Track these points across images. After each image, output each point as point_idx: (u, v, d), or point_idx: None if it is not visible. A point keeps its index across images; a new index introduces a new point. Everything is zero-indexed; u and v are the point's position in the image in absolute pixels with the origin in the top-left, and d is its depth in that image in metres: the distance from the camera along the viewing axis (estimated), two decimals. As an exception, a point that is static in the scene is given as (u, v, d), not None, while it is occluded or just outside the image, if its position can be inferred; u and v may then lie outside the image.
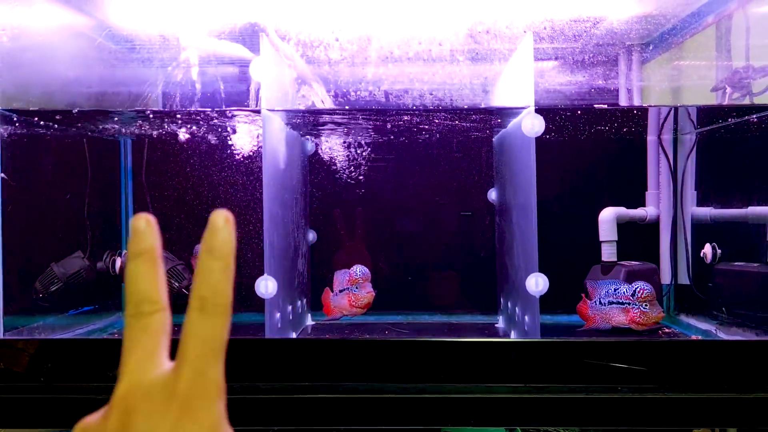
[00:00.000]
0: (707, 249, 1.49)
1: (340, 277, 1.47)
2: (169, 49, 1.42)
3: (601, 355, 1.10)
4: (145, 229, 0.43)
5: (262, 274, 1.23)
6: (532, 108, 1.20)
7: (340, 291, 1.47)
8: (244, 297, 1.32)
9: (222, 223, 0.42)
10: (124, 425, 0.40)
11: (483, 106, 1.36)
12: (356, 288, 1.42)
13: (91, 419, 0.42)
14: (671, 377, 1.08)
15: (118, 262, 1.61)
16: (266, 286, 1.23)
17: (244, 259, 1.55)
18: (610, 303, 1.29)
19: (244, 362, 1.10)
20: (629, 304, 1.26)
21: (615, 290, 1.30)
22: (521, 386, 1.11)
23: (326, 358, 1.11)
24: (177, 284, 1.60)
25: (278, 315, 1.31)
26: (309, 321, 1.71)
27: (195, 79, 1.45)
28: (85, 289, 1.55)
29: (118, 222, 1.72)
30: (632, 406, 1.08)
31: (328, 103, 1.43)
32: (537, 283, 1.22)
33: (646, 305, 1.26)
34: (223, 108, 1.29)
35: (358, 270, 1.43)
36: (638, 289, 1.27)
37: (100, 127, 1.54)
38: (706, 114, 1.51)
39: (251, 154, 1.58)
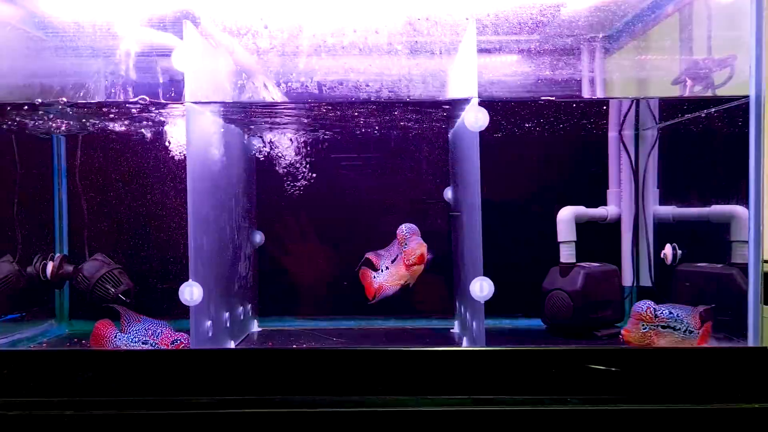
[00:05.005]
0: (668, 249, 1.42)
1: (382, 254, 1.34)
2: (96, 39, 1.33)
3: (549, 363, 1.03)
4: None
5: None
6: (476, 100, 1.12)
7: (392, 262, 1.33)
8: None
9: None
10: None
11: (423, 98, 1.27)
12: (405, 245, 1.28)
13: None
14: (625, 386, 1.01)
15: (50, 266, 1.51)
16: (191, 292, 1.14)
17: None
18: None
19: (164, 375, 1.01)
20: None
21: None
22: (466, 398, 1.04)
23: (256, 369, 1.03)
24: (113, 289, 1.50)
25: (209, 323, 1.22)
26: (255, 327, 1.62)
27: (127, 70, 1.36)
28: (13, 296, 1.45)
29: (51, 224, 1.62)
30: (582, 419, 1.00)
31: (278, 98, 1.34)
32: (482, 288, 1.15)
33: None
34: (133, 99, 1.19)
35: (405, 227, 1.29)
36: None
37: (27, 122, 1.44)
38: (668, 108, 1.44)
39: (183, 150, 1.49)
